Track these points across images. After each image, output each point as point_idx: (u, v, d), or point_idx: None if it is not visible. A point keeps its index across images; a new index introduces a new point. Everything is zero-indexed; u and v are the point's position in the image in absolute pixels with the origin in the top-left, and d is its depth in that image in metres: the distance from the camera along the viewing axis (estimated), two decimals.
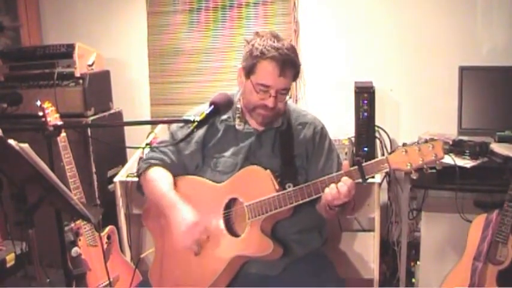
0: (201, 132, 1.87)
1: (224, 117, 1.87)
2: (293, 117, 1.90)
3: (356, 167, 1.65)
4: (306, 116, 1.93)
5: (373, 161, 1.66)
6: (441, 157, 1.58)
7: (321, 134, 1.90)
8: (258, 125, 1.86)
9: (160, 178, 1.85)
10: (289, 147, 1.85)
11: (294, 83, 2.97)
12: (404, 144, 1.63)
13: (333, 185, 1.64)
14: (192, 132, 1.68)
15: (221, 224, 1.79)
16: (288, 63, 1.72)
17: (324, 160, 1.87)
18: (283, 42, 1.74)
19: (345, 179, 1.64)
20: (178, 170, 1.90)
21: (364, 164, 1.65)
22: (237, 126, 1.88)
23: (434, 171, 2.33)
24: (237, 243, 1.76)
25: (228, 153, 1.87)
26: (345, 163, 1.69)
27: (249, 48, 1.75)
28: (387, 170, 1.64)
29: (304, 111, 1.96)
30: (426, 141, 1.60)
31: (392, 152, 1.70)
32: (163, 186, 1.81)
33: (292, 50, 1.75)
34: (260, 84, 1.73)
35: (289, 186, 1.74)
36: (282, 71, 1.71)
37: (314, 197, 1.70)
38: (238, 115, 1.88)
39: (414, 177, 1.62)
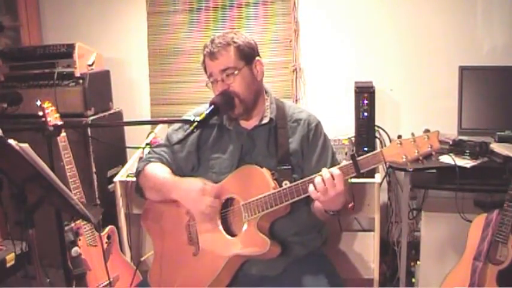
0: (195, 133, 1.85)
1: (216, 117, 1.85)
2: (288, 115, 1.88)
3: (350, 161, 1.63)
4: (301, 112, 1.90)
5: (367, 154, 1.62)
6: (437, 147, 1.53)
7: (315, 130, 1.87)
8: (243, 121, 1.86)
9: (159, 170, 1.87)
10: (284, 145, 1.83)
11: (295, 84, 3.02)
12: (399, 137, 1.58)
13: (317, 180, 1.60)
14: (192, 132, 1.68)
15: (218, 224, 1.79)
16: (213, 46, 1.76)
17: (316, 157, 1.84)
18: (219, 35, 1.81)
19: (325, 173, 1.58)
20: (174, 171, 1.89)
21: (358, 158, 1.62)
22: (227, 126, 1.87)
23: (434, 171, 2.37)
24: (234, 243, 1.76)
25: (223, 154, 1.87)
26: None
27: None
28: (382, 162, 1.62)
29: (299, 108, 1.95)
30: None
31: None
32: (164, 174, 1.84)
33: (226, 34, 1.78)
34: (209, 78, 1.80)
35: (285, 184, 1.73)
36: (212, 55, 1.76)
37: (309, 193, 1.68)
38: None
39: (410, 169, 1.60)
